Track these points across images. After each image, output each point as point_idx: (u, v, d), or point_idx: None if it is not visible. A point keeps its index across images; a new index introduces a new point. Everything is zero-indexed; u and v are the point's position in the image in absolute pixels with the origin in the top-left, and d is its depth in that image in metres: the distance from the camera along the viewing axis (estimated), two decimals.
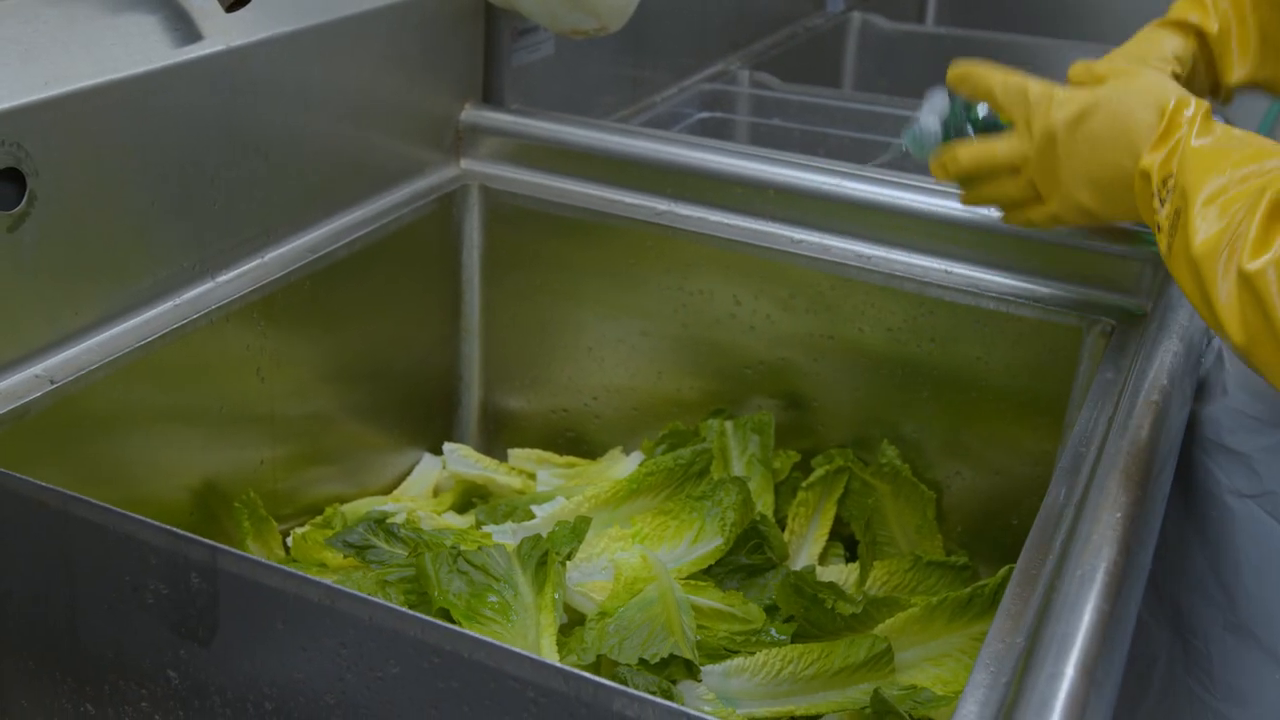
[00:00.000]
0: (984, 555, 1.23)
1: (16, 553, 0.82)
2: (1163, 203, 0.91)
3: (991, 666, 0.71)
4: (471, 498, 1.32)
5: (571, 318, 1.37)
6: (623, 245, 1.32)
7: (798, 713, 1.03)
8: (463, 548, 1.04)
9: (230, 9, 1.03)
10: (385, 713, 0.72)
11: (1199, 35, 1.14)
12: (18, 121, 0.91)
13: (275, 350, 1.15)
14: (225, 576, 0.74)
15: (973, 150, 1.07)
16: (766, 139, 1.82)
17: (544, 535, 1.09)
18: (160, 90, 1.01)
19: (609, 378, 1.37)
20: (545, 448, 1.39)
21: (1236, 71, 1.14)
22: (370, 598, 0.73)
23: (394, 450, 1.35)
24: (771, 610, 1.13)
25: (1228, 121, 1.00)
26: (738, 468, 1.27)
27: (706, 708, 1.00)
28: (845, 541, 1.28)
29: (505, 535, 1.16)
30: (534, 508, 1.21)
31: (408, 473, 1.36)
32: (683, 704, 0.97)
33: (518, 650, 0.68)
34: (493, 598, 1.00)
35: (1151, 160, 0.93)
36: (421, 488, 1.34)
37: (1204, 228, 0.86)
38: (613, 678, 0.97)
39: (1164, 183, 0.91)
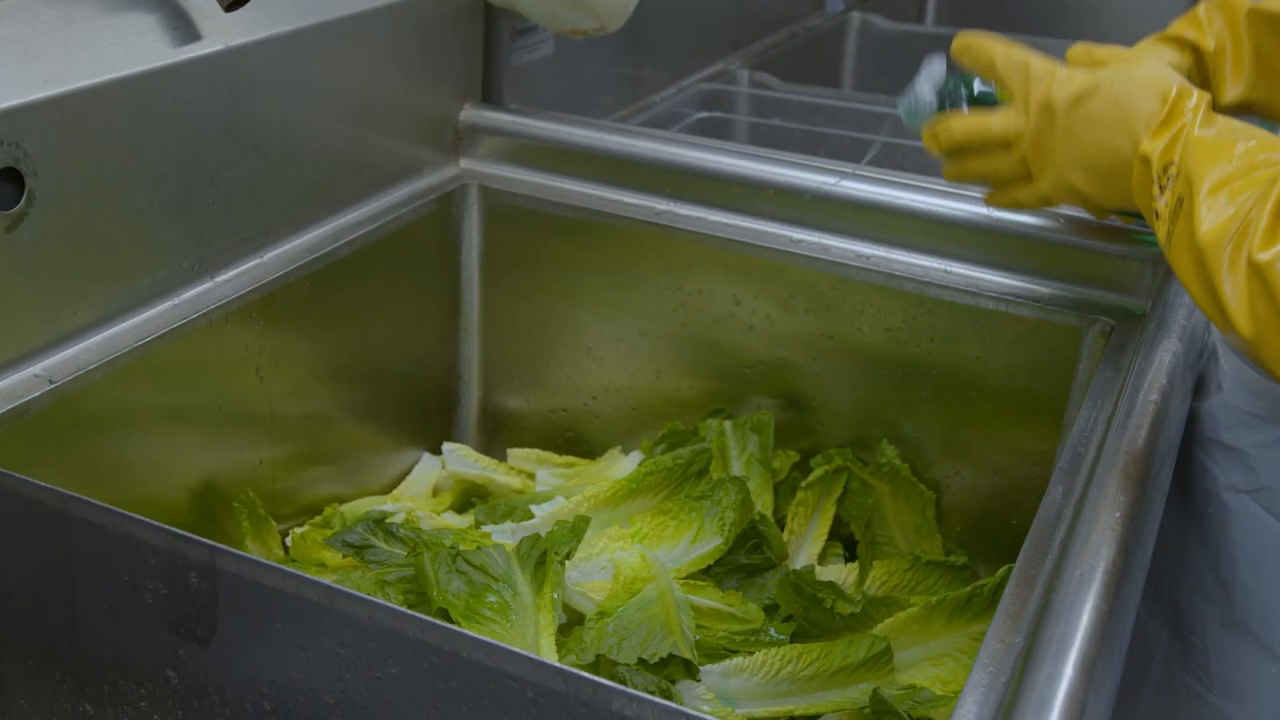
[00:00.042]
0: (983, 555, 1.23)
1: (16, 552, 0.81)
2: (1162, 190, 0.91)
3: (990, 666, 0.71)
4: (471, 497, 1.32)
5: (571, 317, 1.37)
6: (622, 245, 1.32)
7: (797, 712, 1.03)
8: (462, 547, 1.04)
9: (229, 8, 1.03)
10: (384, 712, 0.72)
11: (1195, 52, 1.14)
12: (16, 121, 0.91)
13: (274, 350, 1.15)
14: (224, 576, 0.74)
15: (967, 122, 1.07)
16: (766, 139, 1.82)
17: (543, 535, 1.09)
18: (159, 90, 1.01)
19: (608, 377, 1.37)
20: (544, 447, 1.39)
21: (1230, 91, 1.14)
22: (369, 597, 0.73)
23: (393, 450, 1.35)
24: (770, 610, 1.13)
25: None
26: (737, 467, 1.27)
27: (705, 707, 1.00)
28: (844, 541, 1.28)
29: (504, 535, 1.16)
30: (533, 507, 1.21)
31: (407, 472, 1.36)
32: (681, 704, 0.97)
33: (517, 650, 0.68)
34: (492, 598, 1.00)
35: (1152, 146, 0.93)
36: (420, 487, 1.34)
37: (1210, 216, 0.85)
38: (612, 677, 0.97)
39: (1164, 170, 0.91)
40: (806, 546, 1.25)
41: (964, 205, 1.20)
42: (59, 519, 0.79)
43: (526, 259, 1.36)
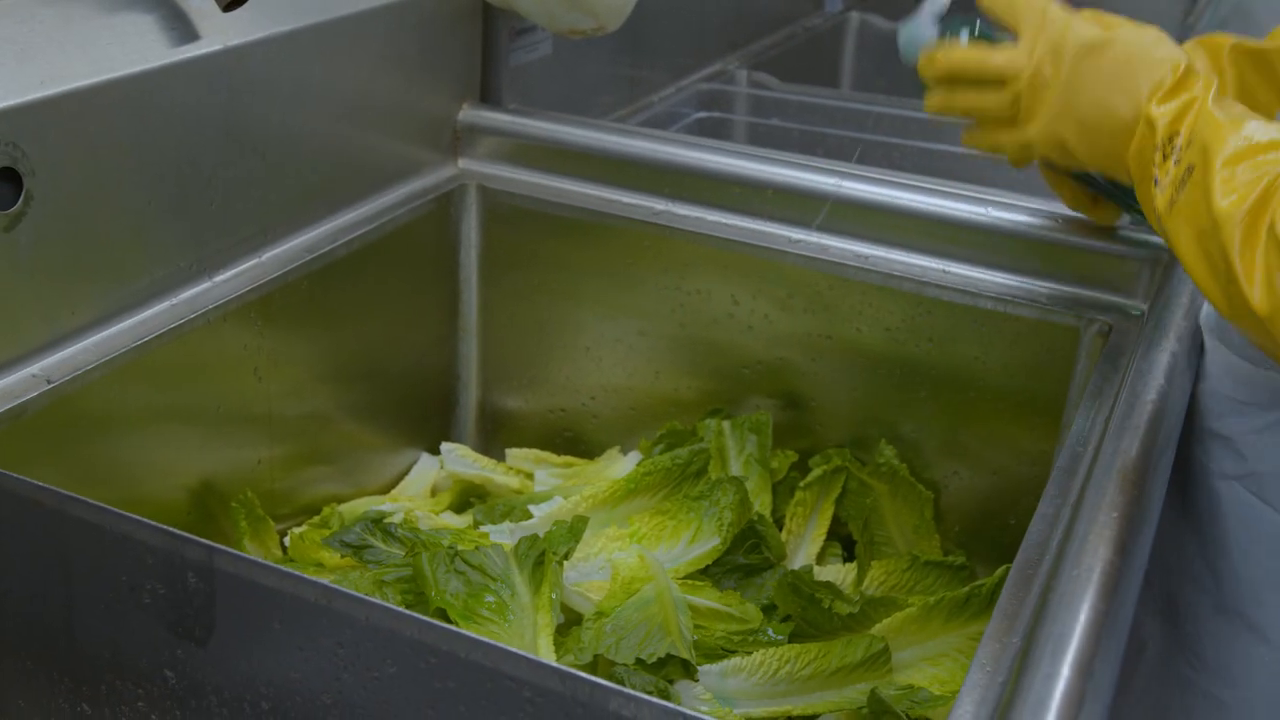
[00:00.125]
0: (981, 555, 1.23)
1: (13, 552, 0.81)
2: (1165, 157, 0.91)
3: (988, 666, 0.71)
4: (469, 497, 1.32)
5: (569, 317, 1.37)
6: (620, 245, 1.32)
7: (795, 712, 1.03)
8: (460, 547, 1.04)
9: (227, 8, 1.03)
10: (382, 712, 0.72)
11: None
12: (14, 121, 0.90)
13: (273, 350, 1.15)
14: (222, 576, 0.74)
15: (967, 51, 1.06)
16: (765, 139, 1.82)
17: (541, 535, 1.09)
18: (157, 90, 1.01)
19: (607, 377, 1.37)
20: (543, 447, 1.39)
21: None
22: (367, 598, 0.73)
23: (391, 450, 1.35)
24: (769, 610, 1.13)
25: None
26: (735, 468, 1.27)
27: (703, 707, 1.00)
28: (843, 541, 1.28)
29: (503, 535, 1.16)
30: (531, 507, 1.21)
31: (405, 472, 1.36)
32: (679, 704, 0.97)
33: (514, 650, 0.68)
34: (490, 598, 1.00)
35: (1159, 112, 0.93)
36: (419, 487, 1.34)
37: (1228, 187, 0.85)
38: (610, 678, 0.97)
39: (1170, 139, 0.91)
40: (805, 546, 1.25)
41: (963, 205, 1.20)
42: (57, 519, 0.79)
43: (525, 259, 1.36)
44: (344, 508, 1.25)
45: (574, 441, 1.40)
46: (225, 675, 0.76)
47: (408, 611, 0.71)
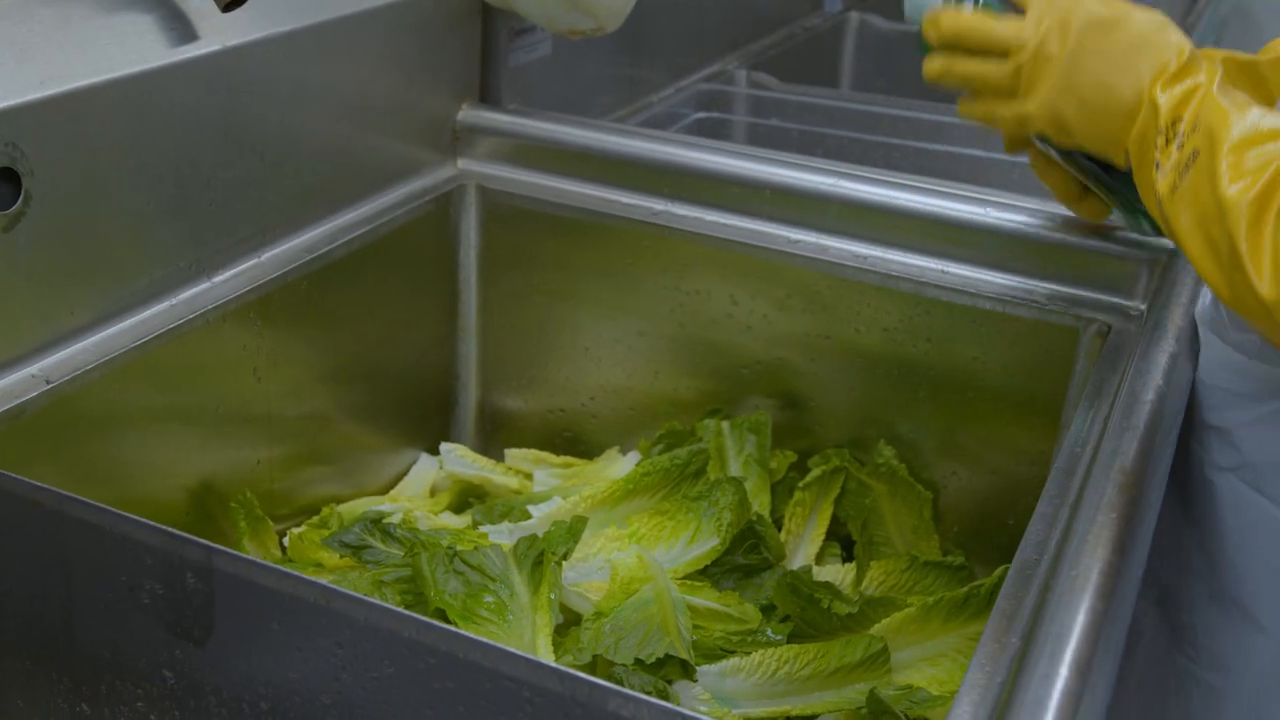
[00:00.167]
0: (980, 555, 1.23)
1: (13, 553, 0.81)
2: (1168, 141, 0.91)
3: (986, 666, 0.71)
4: (468, 498, 1.32)
5: (568, 318, 1.37)
6: (620, 245, 1.32)
7: (793, 713, 1.03)
8: (459, 548, 1.04)
9: (226, 9, 1.03)
10: (380, 713, 0.72)
11: None
12: (13, 121, 0.90)
13: (272, 350, 1.15)
14: (221, 576, 0.74)
15: (973, 18, 1.05)
16: (764, 139, 1.82)
17: (540, 535, 1.09)
18: (156, 90, 1.01)
19: (606, 378, 1.37)
20: (542, 448, 1.39)
21: None
22: (366, 598, 0.73)
23: (391, 450, 1.35)
24: (768, 610, 1.13)
25: None
26: (734, 468, 1.27)
27: (702, 708, 1.00)
28: (842, 541, 1.28)
29: (502, 535, 1.16)
30: (530, 508, 1.21)
31: (404, 473, 1.36)
32: (678, 704, 0.97)
33: (513, 650, 0.68)
34: (489, 598, 1.00)
35: (1163, 96, 0.93)
36: (418, 488, 1.34)
37: (1235, 173, 0.85)
38: (609, 678, 0.97)
39: (1173, 124, 0.91)
40: (804, 547, 1.25)
41: (962, 206, 1.20)
42: (56, 519, 0.79)
43: (524, 259, 1.36)
44: (343, 508, 1.25)
45: (573, 442, 1.40)
46: (224, 675, 0.77)
47: (406, 612, 0.71)
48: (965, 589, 1.09)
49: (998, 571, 1.09)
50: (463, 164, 1.37)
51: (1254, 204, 0.84)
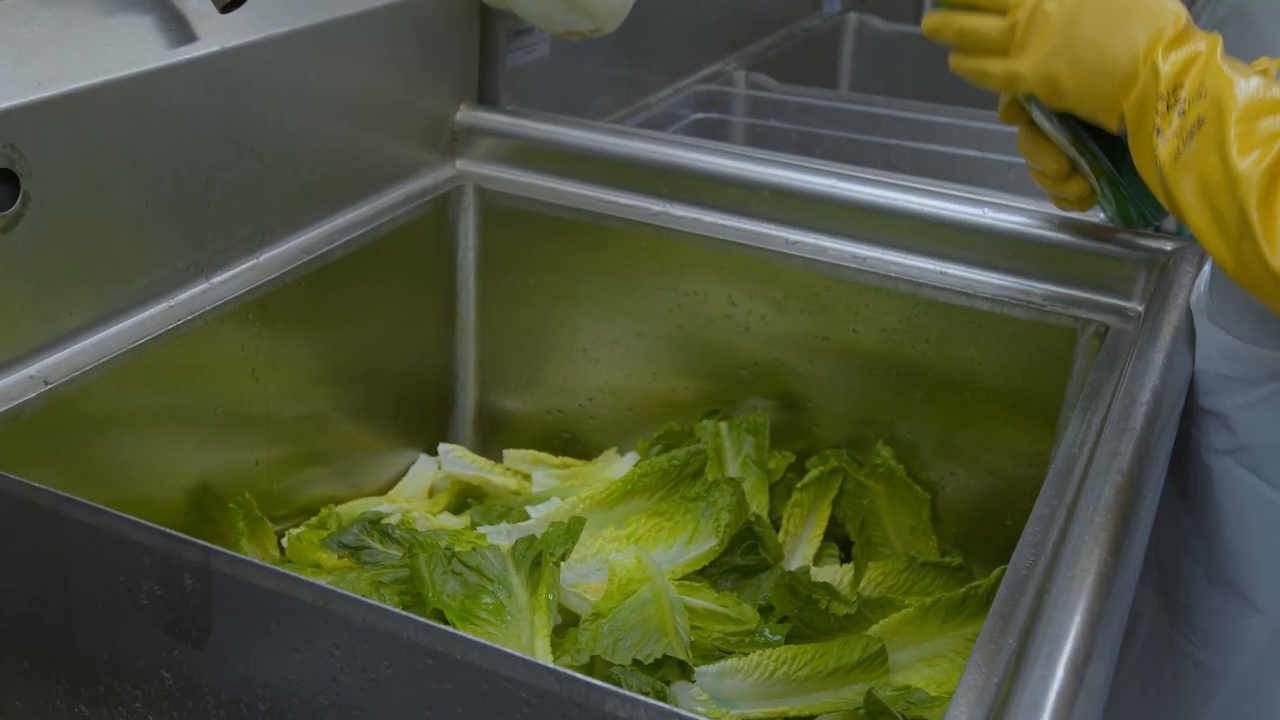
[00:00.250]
0: (979, 556, 1.23)
1: (11, 554, 0.82)
2: (1170, 107, 0.91)
3: (983, 667, 0.71)
4: (466, 498, 1.32)
5: (567, 318, 1.37)
6: (618, 246, 1.32)
7: (791, 713, 1.03)
8: (457, 549, 1.04)
9: (224, 10, 1.03)
10: (378, 714, 0.72)
11: None
12: (12, 122, 0.91)
13: (270, 351, 1.15)
14: (219, 577, 0.74)
15: None
16: (763, 140, 1.82)
17: (538, 536, 1.09)
18: (155, 91, 1.01)
19: (604, 378, 1.37)
20: (540, 448, 1.39)
21: None
22: (363, 599, 0.73)
23: (389, 451, 1.35)
24: (766, 611, 1.13)
25: None
26: (732, 469, 1.27)
27: (700, 708, 1.00)
28: (840, 542, 1.28)
29: (500, 536, 1.16)
30: (529, 508, 1.21)
31: (403, 473, 1.36)
32: (676, 705, 0.97)
33: (510, 651, 0.68)
34: (487, 599, 1.00)
35: (1165, 61, 0.92)
36: (417, 488, 1.34)
37: (1246, 143, 0.85)
38: (606, 679, 0.98)
39: (1174, 90, 0.91)
40: (802, 547, 1.25)
41: (960, 207, 1.21)
42: (54, 520, 0.79)
43: (522, 260, 1.36)
44: (341, 509, 1.25)
45: (571, 442, 1.41)
46: (222, 676, 0.77)
47: (404, 613, 0.71)
48: (963, 590, 1.09)
49: (995, 572, 1.09)
50: (461, 165, 1.38)
51: (1265, 176, 0.84)
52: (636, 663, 0.99)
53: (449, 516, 1.28)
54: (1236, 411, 1.07)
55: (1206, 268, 1.14)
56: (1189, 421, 1.11)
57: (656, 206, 1.31)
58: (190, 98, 1.04)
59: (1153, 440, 0.93)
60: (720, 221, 1.29)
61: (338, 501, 1.27)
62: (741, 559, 1.18)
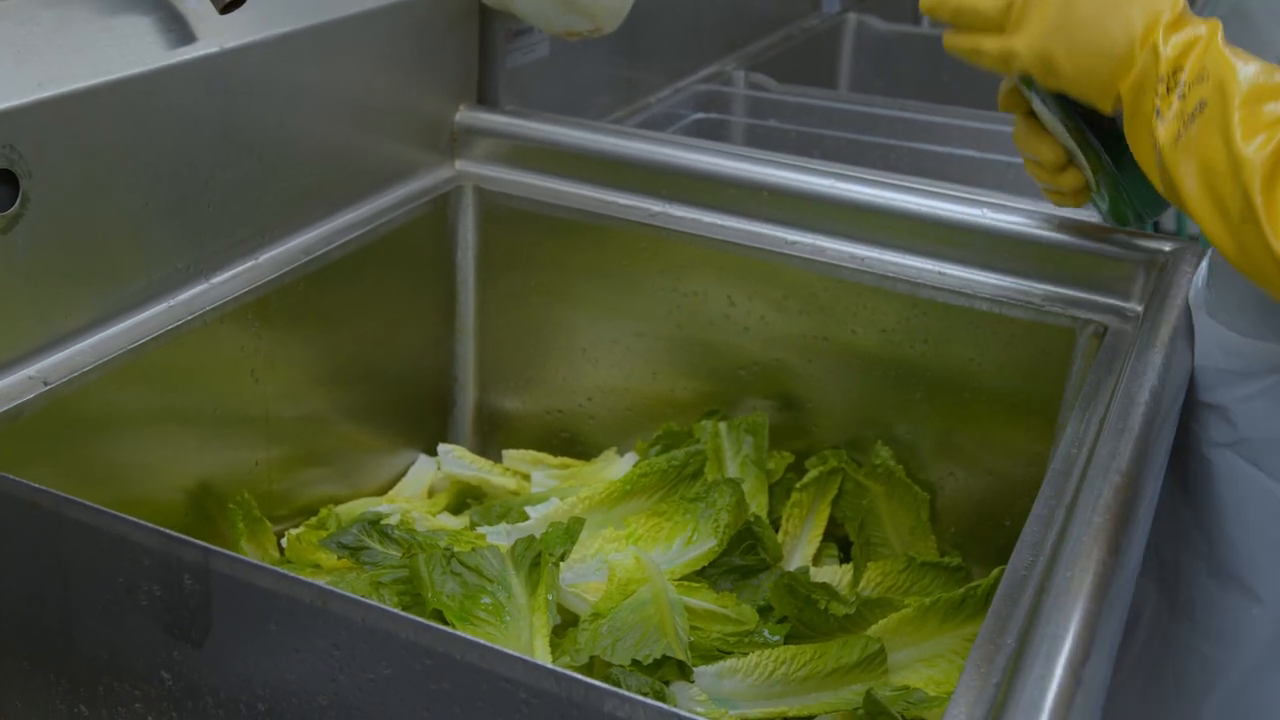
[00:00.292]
0: (978, 556, 1.23)
1: (11, 554, 0.82)
2: (1170, 90, 0.90)
3: (982, 668, 0.71)
4: (466, 499, 1.33)
5: (566, 319, 1.37)
6: (617, 246, 1.32)
7: (790, 713, 1.03)
8: (456, 549, 1.04)
9: (224, 11, 1.03)
10: (377, 714, 0.72)
11: None
12: (11, 123, 0.91)
13: (270, 351, 1.15)
14: (218, 578, 0.74)
15: None
16: (762, 140, 1.82)
17: (538, 536, 1.09)
18: (154, 92, 1.01)
19: (603, 379, 1.37)
20: (540, 449, 1.39)
21: None
22: (363, 599, 0.73)
23: (389, 451, 1.35)
24: (765, 611, 1.13)
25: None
26: (732, 469, 1.27)
27: (699, 709, 1.00)
28: (839, 543, 1.28)
29: (499, 536, 1.16)
30: (528, 509, 1.21)
31: (402, 474, 1.36)
32: (675, 705, 0.98)
33: (509, 651, 0.68)
34: (486, 599, 1.00)
35: (1165, 44, 0.92)
36: (416, 489, 1.34)
37: (1250, 127, 0.85)
38: (605, 679, 0.98)
39: (1174, 73, 0.90)
40: (801, 548, 1.25)
41: (958, 207, 1.21)
42: (53, 521, 0.79)
43: (522, 260, 1.36)
44: (341, 509, 1.25)
45: (571, 443, 1.41)
46: (221, 677, 0.77)
47: (404, 613, 0.71)
48: (962, 590, 1.09)
49: (994, 572, 1.09)
50: (460, 165, 1.38)
51: (1270, 161, 0.84)
52: (635, 663, 0.99)
53: (448, 517, 1.28)
54: (1236, 405, 1.08)
55: (1204, 263, 1.14)
56: (1188, 415, 1.11)
57: (656, 207, 1.31)
58: (190, 98, 1.04)
59: (1151, 440, 0.93)
60: (719, 222, 1.29)
61: (337, 502, 1.27)
62: (741, 559, 1.18)
